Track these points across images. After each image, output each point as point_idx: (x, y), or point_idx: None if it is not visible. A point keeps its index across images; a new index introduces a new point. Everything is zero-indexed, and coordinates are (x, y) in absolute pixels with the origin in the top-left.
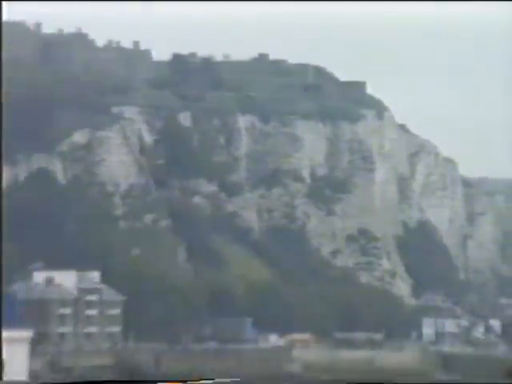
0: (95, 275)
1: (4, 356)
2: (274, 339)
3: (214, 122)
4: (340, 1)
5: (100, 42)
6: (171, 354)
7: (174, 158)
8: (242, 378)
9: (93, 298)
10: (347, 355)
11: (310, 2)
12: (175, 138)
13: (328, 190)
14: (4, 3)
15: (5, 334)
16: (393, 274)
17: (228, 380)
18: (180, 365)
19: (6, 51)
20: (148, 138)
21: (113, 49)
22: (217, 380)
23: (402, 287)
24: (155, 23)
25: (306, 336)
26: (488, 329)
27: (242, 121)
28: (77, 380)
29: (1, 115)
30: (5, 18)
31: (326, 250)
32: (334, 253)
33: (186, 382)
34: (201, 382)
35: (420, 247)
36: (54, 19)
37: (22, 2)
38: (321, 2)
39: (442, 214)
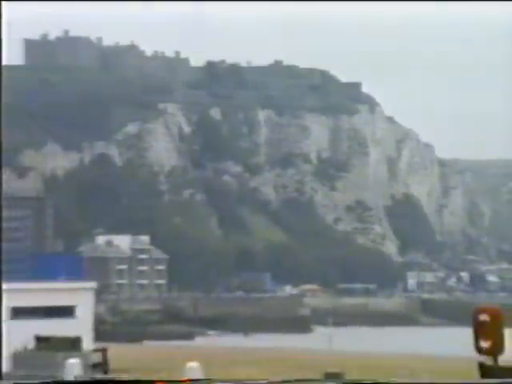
0: (145, 238)
1: (74, 302)
2: (288, 289)
3: (238, 115)
4: (343, 0)
5: (149, 52)
6: (206, 300)
7: (206, 144)
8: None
9: (143, 256)
10: (347, 301)
11: (317, 7)
12: (208, 128)
13: (331, 169)
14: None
15: (75, 284)
16: (383, 237)
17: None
18: (213, 310)
19: (74, 59)
20: (186, 129)
21: (158, 57)
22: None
23: (391, 247)
24: (191, 33)
25: (314, 286)
26: (459, 279)
27: (262, 114)
28: (133, 321)
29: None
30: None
31: (329, 218)
32: (336, 220)
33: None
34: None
35: (405, 215)
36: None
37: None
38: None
39: (423, 189)
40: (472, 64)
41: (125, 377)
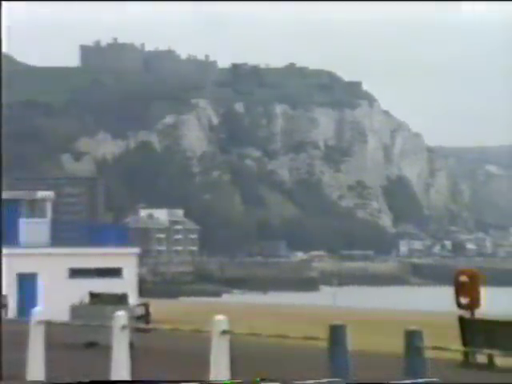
0: (180, 212)
1: (121, 265)
2: (300, 255)
3: (258, 109)
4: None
5: (183, 56)
6: (231, 264)
7: (231, 133)
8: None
9: (178, 227)
10: (349, 265)
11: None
12: (232, 120)
13: (336, 155)
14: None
15: (122, 249)
16: (379, 211)
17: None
18: (237, 272)
19: (121, 63)
20: (214, 120)
21: (191, 60)
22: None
23: (386, 220)
24: (217, 37)
25: (321, 253)
26: (442, 246)
27: (278, 108)
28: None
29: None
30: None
31: (334, 196)
32: (340, 197)
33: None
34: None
35: (398, 193)
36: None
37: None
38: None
39: (413, 171)
40: (459, 61)
41: (165, 327)
